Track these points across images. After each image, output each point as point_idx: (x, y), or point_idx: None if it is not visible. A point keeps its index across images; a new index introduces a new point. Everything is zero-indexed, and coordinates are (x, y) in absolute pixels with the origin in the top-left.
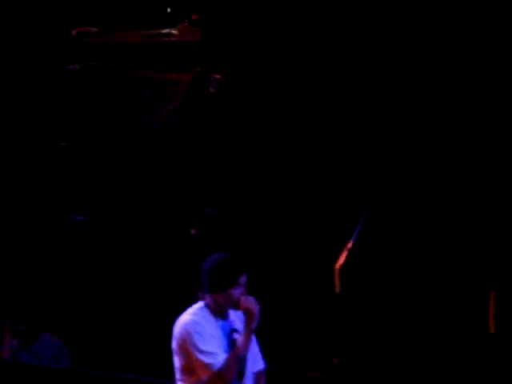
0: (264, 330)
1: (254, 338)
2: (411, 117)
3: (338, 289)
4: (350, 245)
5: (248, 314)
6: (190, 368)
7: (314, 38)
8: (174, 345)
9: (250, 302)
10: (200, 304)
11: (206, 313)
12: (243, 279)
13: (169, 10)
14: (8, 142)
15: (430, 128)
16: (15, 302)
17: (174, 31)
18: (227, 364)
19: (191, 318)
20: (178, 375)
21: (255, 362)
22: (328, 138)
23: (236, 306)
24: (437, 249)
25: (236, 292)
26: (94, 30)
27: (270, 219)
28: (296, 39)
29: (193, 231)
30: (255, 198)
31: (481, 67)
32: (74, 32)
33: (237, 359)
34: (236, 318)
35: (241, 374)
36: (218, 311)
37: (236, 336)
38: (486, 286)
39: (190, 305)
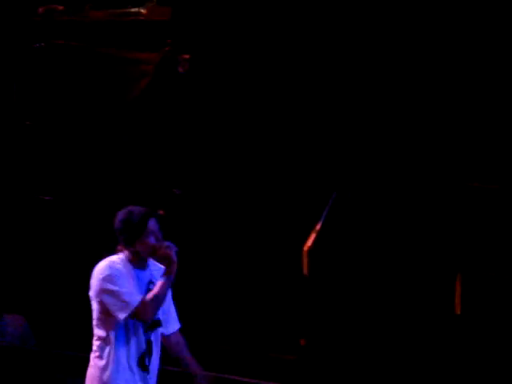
0: (232, 312)
1: (170, 300)
2: (378, 102)
3: (306, 270)
4: (318, 227)
5: (165, 259)
6: (107, 310)
7: (285, 18)
8: (92, 288)
9: (166, 247)
10: (119, 255)
11: (125, 262)
12: (153, 225)
13: None
14: None
15: (396, 113)
16: None
17: (142, 10)
18: (144, 303)
19: (109, 263)
20: (95, 320)
21: (170, 323)
22: (297, 120)
23: (153, 254)
24: (404, 231)
25: (150, 239)
26: (60, 7)
27: (239, 201)
28: (267, 18)
29: (161, 212)
30: (223, 180)
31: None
32: (40, 9)
33: (154, 299)
34: (156, 271)
35: (156, 322)
36: (137, 261)
37: (152, 286)
38: (452, 267)
39: None
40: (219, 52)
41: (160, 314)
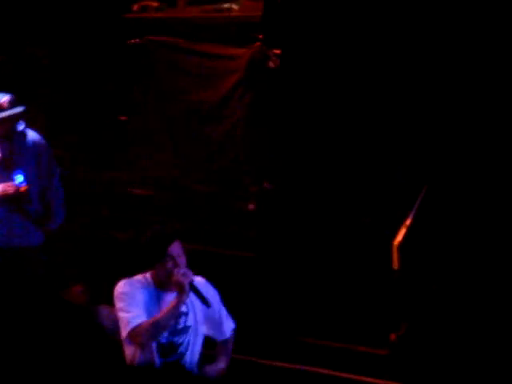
0: (322, 306)
1: (218, 309)
2: (466, 99)
3: (396, 265)
4: (408, 221)
5: (178, 286)
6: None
7: (376, 13)
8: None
9: (181, 275)
10: (146, 274)
11: (148, 281)
12: (174, 250)
13: None
14: (71, 116)
15: (487, 108)
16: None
17: (234, 6)
18: (143, 325)
19: (127, 280)
20: None
21: (218, 331)
22: (386, 114)
23: (170, 278)
24: (496, 225)
25: (168, 264)
26: (154, 4)
27: (329, 194)
28: (358, 13)
29: (251, 206)
30: (313, 174)
31: None
32: (135, 6)
33: (154, 324)
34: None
35: (167, 348)
36: (160, 283)
37: (180, 311)
38: None
39: None
40: (310, 47)
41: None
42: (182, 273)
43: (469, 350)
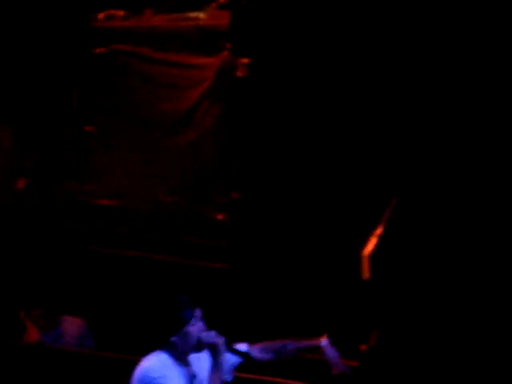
0: (291, 317)
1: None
2: (437, 106)
3: (366, 275)
4: (378, 231)
5: (213, 348)
6: None
7: (346, 20)
8: None
9: (213, 337)
10: (158, 354)
11: (166, 360)
12: (198, 313)
13: None
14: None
15: (457, 115)
16: (24, 289)
17: (201, 15)
18: None
19: (147, 368)
20: None
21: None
22: (357, 122)
23: (198, 345)
24: (467, 235)
25: (194, 329)
26: (121, 13)
27: (298, 205)
28: (326, 21)
29: (220, 216)
30: (282, 183)
31: None
32: (100, 15)
33: None
34: (193, 361)
35: None
36: (179, 356)
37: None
38: None
39: None
40: (279, 55)
41: None
42: (213, 334)
43: (441, 361)
